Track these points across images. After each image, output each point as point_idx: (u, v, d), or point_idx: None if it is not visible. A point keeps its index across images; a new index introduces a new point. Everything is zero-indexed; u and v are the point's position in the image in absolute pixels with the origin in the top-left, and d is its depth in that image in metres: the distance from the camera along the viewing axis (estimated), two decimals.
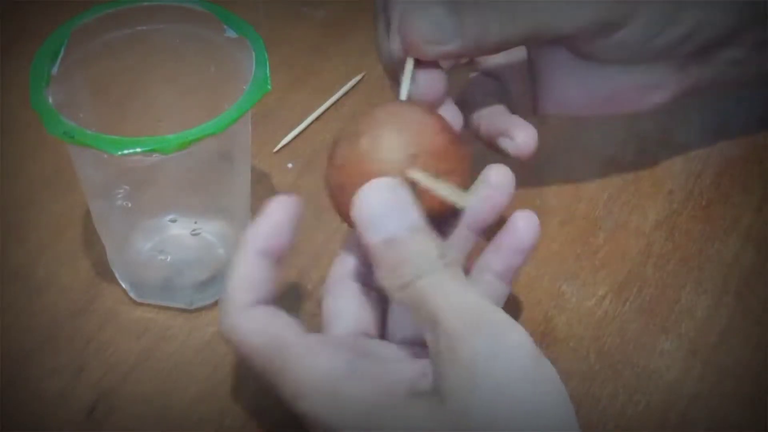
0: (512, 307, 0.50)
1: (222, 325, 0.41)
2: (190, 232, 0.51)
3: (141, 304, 0.50)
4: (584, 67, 0.49)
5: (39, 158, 0.56)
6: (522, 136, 0.48)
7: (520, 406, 0.34)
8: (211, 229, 0.51)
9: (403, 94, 0.45)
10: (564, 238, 0.54)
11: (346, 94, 0.62)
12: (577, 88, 0.50)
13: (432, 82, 0.45)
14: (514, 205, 0.55)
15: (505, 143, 0.49)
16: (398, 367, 0.39)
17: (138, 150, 0.41)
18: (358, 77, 0.62)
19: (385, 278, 0.38)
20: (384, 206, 0.39)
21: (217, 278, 0.50)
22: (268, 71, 0.44)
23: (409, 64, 0.45)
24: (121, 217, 0.49)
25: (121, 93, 0.50)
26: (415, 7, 0.44)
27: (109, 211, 0.48)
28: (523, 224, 0.43)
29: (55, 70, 0.44)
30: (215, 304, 0.50)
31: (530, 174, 0.57)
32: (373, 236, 0.38)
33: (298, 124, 0.60)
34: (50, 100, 0.43)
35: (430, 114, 0.42)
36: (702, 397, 0.47)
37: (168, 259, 0.50)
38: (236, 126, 0.43)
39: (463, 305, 0.36)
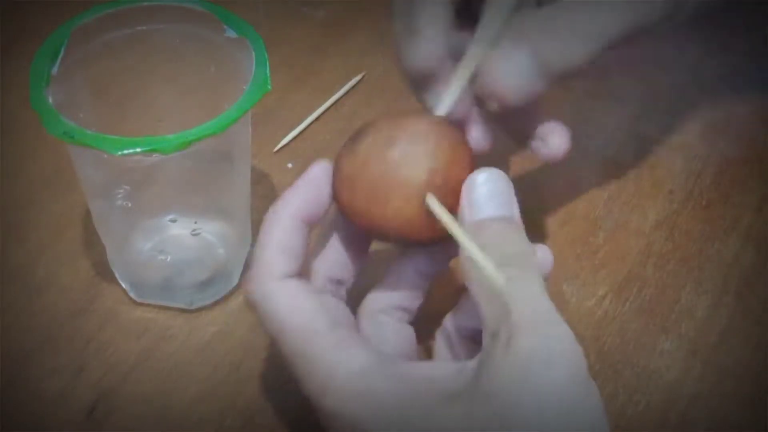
0: None
1: (254, 291, 0.39)
2: (190, 232, 0.51)
3: (141, 304, 0.50)
4: None
5: (39, 158, 0.57)
6: (557, 139, 0.46)
7: (563, 418, 0.34)
8: (211, 229, 0.51)
9: (443, 109, 0.43)
10: (564, 238, 0.54)
11: (346, 94, 0.62)
12: None
13: (463, 101, 0.44)
14: None
15: (537, 146, 0.47)
16: (430, 366, 0.39)
17: (138, 150, 0.41)
18: (358, 77, 0.62)
19: (470, 260, 0.37)
20: (498, 189, 0.39)
21: (217, 278, 0.50)
22: (268, 71, 0.44)
23: (459, 81, 0.43)
24: (121, 217, 0.49)
25: (121, 93, 0.50)
26: (498, 56, 0.42)
27: (109, 211, 0.48)
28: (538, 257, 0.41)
29: (55, 70, 0.44)
30: (215, 304, 0.50)
31: (530, 174, 0.57)
32: (479, 213, 0.39)
33: (298, 124, 0.60)
34: (50, 100, 0.43)
35: (461, 135, 0.42)
36: (702, 397, 0.47)
37: (168, 259, 0.50)
38: (236, 126, 0.43)
39: (538, 306, 0.36)
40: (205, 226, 0.51)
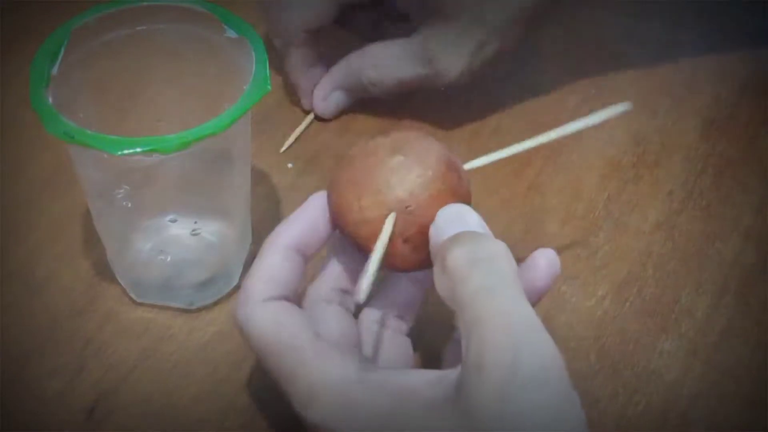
0: None
1: (237, 314, 0.40)
2: (190, 232, 0.51)
3: (141, 304, 0.50)
4: None
5: (39, 158, 0.56)
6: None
7: None
8: (211, 229, 0.51)
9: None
10: (564, 238, 0.54)
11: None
12: None
13: None
14: (514, 205, 0.56)
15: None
16: (411, 375, 0.38)
17: (138, 150, 0.41)
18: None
19: (441, 276, 0.37)
20: (463, 213, 0.39)
21: (217, 278, 0.50)
22: (268, 71, 0.44)
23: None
24: (121, 217, 0.49)
25: (121, 93, 0.50)
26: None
27: (109, 211, 0.48)
28: (544, 263, 0.41)
29: (55, 70, 0.44)
30: (215, 304, 0.50)
31: (530, 174, 0.57)
32: (444, 233, 0.38)
33: (299, 124, 0.60)
34: (50, 100, 0.43)
35: (462, 181, 0.42)
36: (702, 397, 0.47)
37: (168, 259, 0.50)
38: (236, 126, 0.43)
39: (509, 314, 0.35)
40: (205, 226, 0.51)
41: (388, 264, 0.41)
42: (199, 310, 0.50)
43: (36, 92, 0.43)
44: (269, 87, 0.44)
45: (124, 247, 0.50)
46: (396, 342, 0.43)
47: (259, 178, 0.56)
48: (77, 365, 0.47)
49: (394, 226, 0.40)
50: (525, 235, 0.54)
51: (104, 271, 0.51)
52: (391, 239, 0.40)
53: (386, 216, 0.40)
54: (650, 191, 0.56)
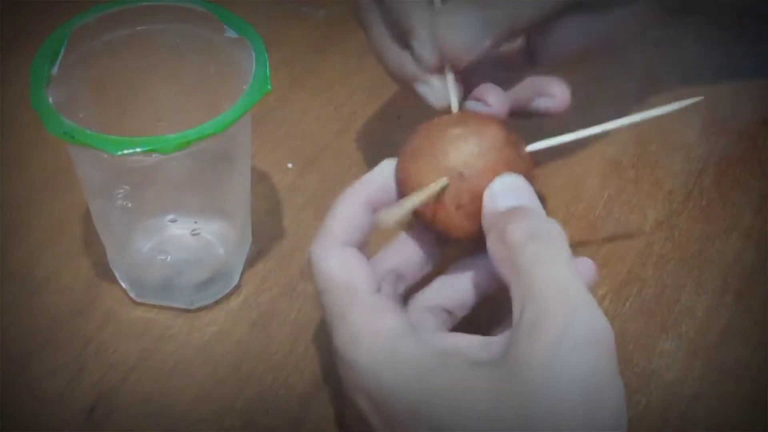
0: None
1: (312, 253, 0.41)
2: (190, 232, 0.51)
3: (141, 304, 0.50)
4: (580, 12, 0.49)
5: (39, 158, 0.57)
6: (559, 91, 0.48)
7: (588, 405, 0.34)
8: (211, 229, 0.51)
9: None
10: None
11: (345, 94, 0.62)
12: (576, 32, 0.50)
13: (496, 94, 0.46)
14: None
15: (542, 103, 0.48)
16: (458, 337, 0.39)
17: (138, 150, 0.41)
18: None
19: (495, 242, 0.39)
20: (516, 186, 0.41)
21: (217, 278, 0.50)
22: (268, 71, 0.44)
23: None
24: (121, 217, 0.49)
25: (121, 93, 0.50)
26: (444, 18, 0.44)
27: (109, 211, 0.48)
28: (585, 269, 0.42)
29: (55, 70, 0.44)
30: (215, 304, 0.50)
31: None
32: (502, 204, 0.40)
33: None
34: (50, 100, 0.43)
35: (522, 154, 0.43)
36: (702, 397, 0.47)
37: (168, 259, 0.50)
38: (236, 126, 0.43)
39: (564, 286, 0.36)
40: (205, 226, 0.51)
41: (441, 229, 0.42)
42: (199, 310, 0.50)
43: (36, 92, 0.43)
44: (269, 87, 0.44)
45: (124, 247, 0.50)
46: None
47: (259, 178, 0.56)
48: (77, 365, 0.47)
49: (448, 192, 0.41)
50: None
51: (104, 271, 0.51)
52: (444, 205, 0.41)
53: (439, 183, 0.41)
54: (650, 191, 0.56)
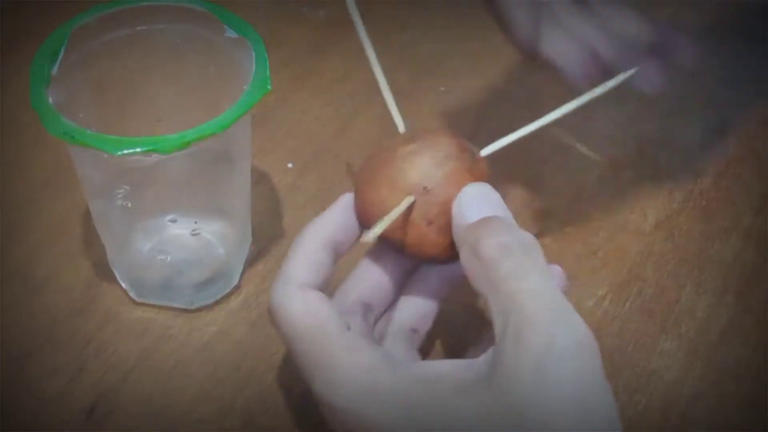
0: None
1: (273, 299, 0.40)
2: (190, 232, 0.51)
3: (141, 304, 0.50)
4: None
5: (39, 158, 0.57)
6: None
7: (580, 414, 0.34)
8: (211, 229, 0.51)
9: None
10: (564, 238, 0.54)
11: (340, 94, 0.62)
12: None
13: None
14: (514, 204, 0.56)
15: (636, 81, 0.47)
16: (439, 364, 0.39)
17: (138, 150, 0.41)
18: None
19: (469, 257, 0.38)
20: (486, 195, 0.40)
21: (217, 278, 0.50)
22: (268, 71, 0.44)
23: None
24: (121, 217, 0.49)
25: (121, 93, 0.50)
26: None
27: (109, 211, 0.48)
28: (556, 272, 0.42)
29: (55, 70, 0.44)
30: (215, 304, 0.50)
31: (530, 174, 0.57)
32: (471, 215, 0.39)
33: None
34: (50, 100, 0.43)
35: (477, 162, 0.42)
36: (702, 397, 0.47)
37: (168, 259, 0.50)
38: (236, 126, 0.43)
39: (544, 294, 0.36)
40: (205, 226, 0.51)
41: (419, 254, 0.41)
42: (199, 310, 0.50)
43: (36, 92, 0.43)
44: (269, 87, 0.44)
45: (124, 247, 0.50)
46: (410, 356, 0.43)
47: (259, 178, 0.56)
48: (77, 365, 0.47)
49: (415, 209, 0.40)
50: None
51: (104, 271, 0.51)
52: (415, 224, 0.40)
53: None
54: (650, 191, 0.56)
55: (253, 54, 0.45)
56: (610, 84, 0.44)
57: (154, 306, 0.50)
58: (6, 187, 0.56)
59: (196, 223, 0.51)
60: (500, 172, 0.56)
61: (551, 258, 0.52)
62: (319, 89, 0.62)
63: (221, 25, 0.47)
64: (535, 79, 0.63)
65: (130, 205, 0.48)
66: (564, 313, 0.36)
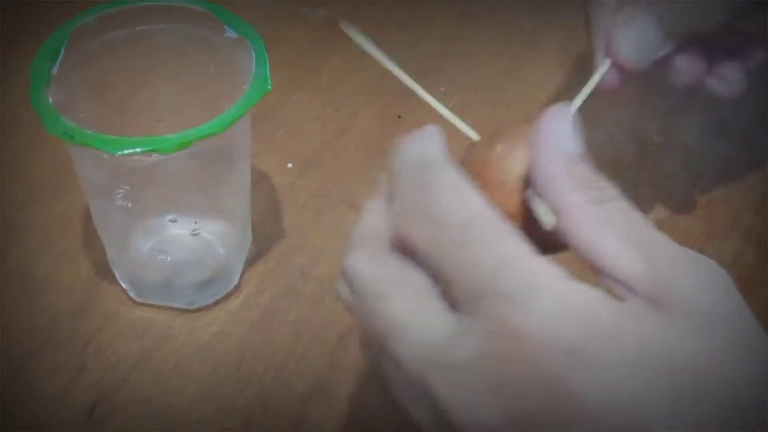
0: None
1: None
2: (190, 232, 0.51)
3: (141, 304, 0.50)
4: None
5: (39, 158, 0.56)
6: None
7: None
8: (211, 229, 0.51)
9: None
10: None
11: (345, 93, 0.62)
12: None
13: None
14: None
15: (715, 85, 0.48)
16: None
17: (138, 150, 0.41)
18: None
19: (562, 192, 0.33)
20: (569, 126, 0.34)
21: (217, 278, 0.50)
22: (268, 71, 0.44)
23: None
24: (121, 217, 0.49)
25: (121, 93, 0.50)
26: (622, 22, 0.43)
27: (109, 211, 0.48)
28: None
29: (55, 70, 0.44)
30: (215, 304, 0.50)
31: None
32: (560, 151, 0.34)
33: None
34: (50, 100, 0.43)
35: None
36: None
37: (168, 259, 0.50)
38: (236, 126, 0.43)
39: (640, 237, 0.33)
40: (205, 226, 0.51)
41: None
42: (199, 310, 0.50)
43: (36, 92, 0.43)
44: (269, 87, 0.44)
45: (124, 247, 0.50)
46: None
47: (259, 178, 0.56)
48: (77, 365, 0.47)
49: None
50: None
51: (104, 271, 0.51)
52: (520, 211, 0.37)
53: (525, 198, 0.37)
54: (650, 191, 0.56)
55: (253, 54, 0.45)
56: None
57: (154, 306, 0.50)
58: (6, 187, 0.56)
59: (196, 223, 0.51)
60: None
61: (552, 258, 0.53)
62: (319, 89, 0.62)
63: (221, 25, 0.47)
64: (536, 79, 0.63)
65: (130, 205, 0.48)
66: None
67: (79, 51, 0.46)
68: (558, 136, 0.34)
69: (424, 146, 0.33)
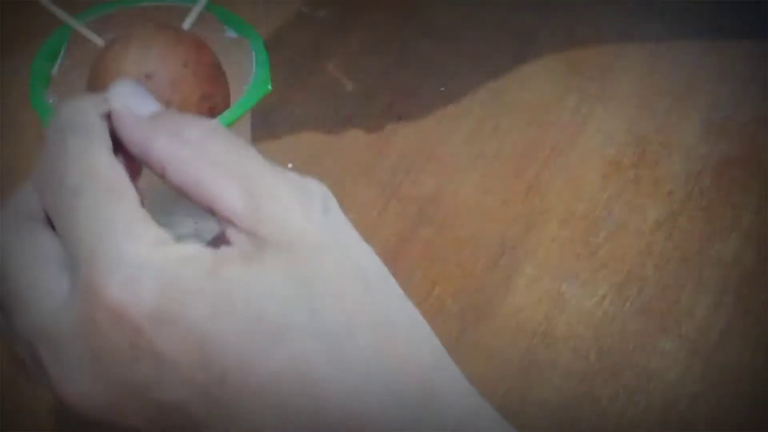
0: (512, 307, 0.50)
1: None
2: (190, 233, 0.50)
3: None
4: None
5: None
6: None
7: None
8: (211, 229, 0.51)
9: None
10: (564, 238, 0.54)
11: (346, 93, 0.62)
12: None
13: None
14: (514, 205, 0.56)
15: None
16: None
17: None
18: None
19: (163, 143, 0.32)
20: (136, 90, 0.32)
21: None
22: (268, 71, 0.44)
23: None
24: None
25: None
26: None
27: None
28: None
29: (55, 70, 0.44)
30: None
31: (530, 174, 0.57)
32: (141, 109, 0.32)
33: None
34: (50, 100, 0.43)
35: (194, 42, 0.42)
36: (702, 397, 0.47)
37: None
38: (236, 126, 0.43)
39: (242, 170, 0.33)
40: (205, 226, 0.51)
41: None
42: None
43: (36, 92, 0.43)
44: (269, 87, 0.44)
45: None
46: None
47: None
48: None
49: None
50: (525, 235, 0.54)
51: None
52: None
53: None
54: (650, 191, 0.56)
55: (253, 54, 0.45)
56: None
57: None
58: (6, 187, 0.55)
59: (196, 223, 0.51)
60: (501, 171, 0.57)
61: (552, 258, 0.53)
62: (319, 89, 0.62)
63: (221, 25, 0.47)
64: (536, 79, 0.63)
65: None
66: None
67: (79, 51, 0.46)
68: (124, 99, 0.32)
69: (76, 108, 0.32)
